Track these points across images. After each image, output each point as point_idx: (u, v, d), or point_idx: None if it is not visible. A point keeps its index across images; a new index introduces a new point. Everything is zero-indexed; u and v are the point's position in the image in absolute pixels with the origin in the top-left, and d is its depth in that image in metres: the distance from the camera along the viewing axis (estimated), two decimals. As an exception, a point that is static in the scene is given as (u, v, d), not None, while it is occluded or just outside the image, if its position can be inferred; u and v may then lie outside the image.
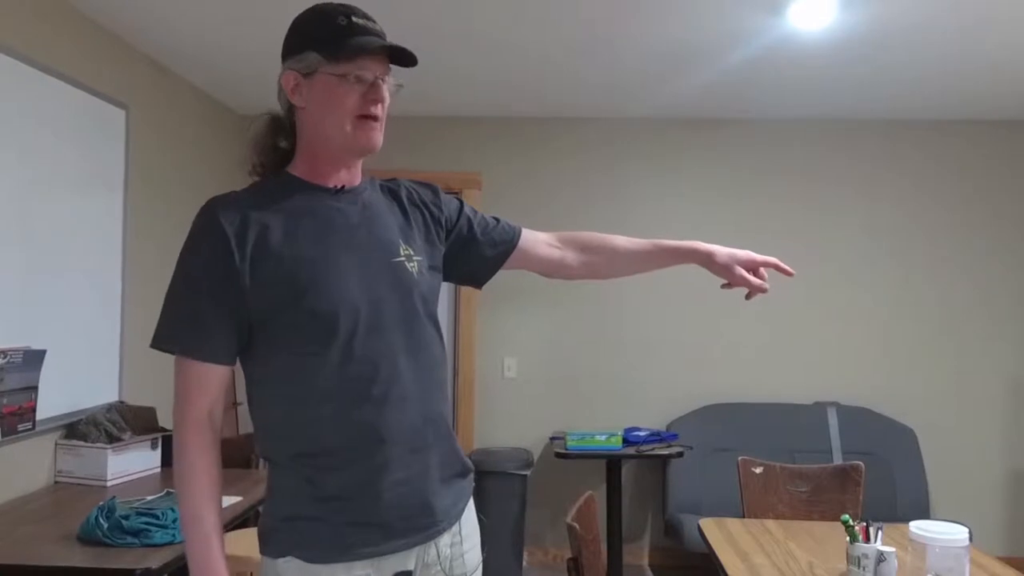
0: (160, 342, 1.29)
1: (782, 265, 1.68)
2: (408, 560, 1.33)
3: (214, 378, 1.28)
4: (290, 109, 1.37)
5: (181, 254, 1.30)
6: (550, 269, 1.63)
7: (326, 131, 1.33)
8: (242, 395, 1.41)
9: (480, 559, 1.48)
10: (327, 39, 1.30)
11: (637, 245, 1.64)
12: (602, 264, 1.64)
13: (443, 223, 1.50)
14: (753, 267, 1.65)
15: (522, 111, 4.52)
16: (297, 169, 1.38)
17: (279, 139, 1.39)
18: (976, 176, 4.54)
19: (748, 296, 1.67)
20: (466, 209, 1.57)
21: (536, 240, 1.61)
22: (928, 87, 3.90)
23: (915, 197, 4.55)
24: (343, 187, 1.38)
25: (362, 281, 1.31)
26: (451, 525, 1.39)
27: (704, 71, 3.69)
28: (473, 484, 1.49)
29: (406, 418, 1.32)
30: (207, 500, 1.26)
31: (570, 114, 4.56)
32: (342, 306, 1.28)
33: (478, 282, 1.61)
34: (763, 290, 1.64)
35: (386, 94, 1.34)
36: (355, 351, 1.29)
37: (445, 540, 1.38)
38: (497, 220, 1.60)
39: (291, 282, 1.27)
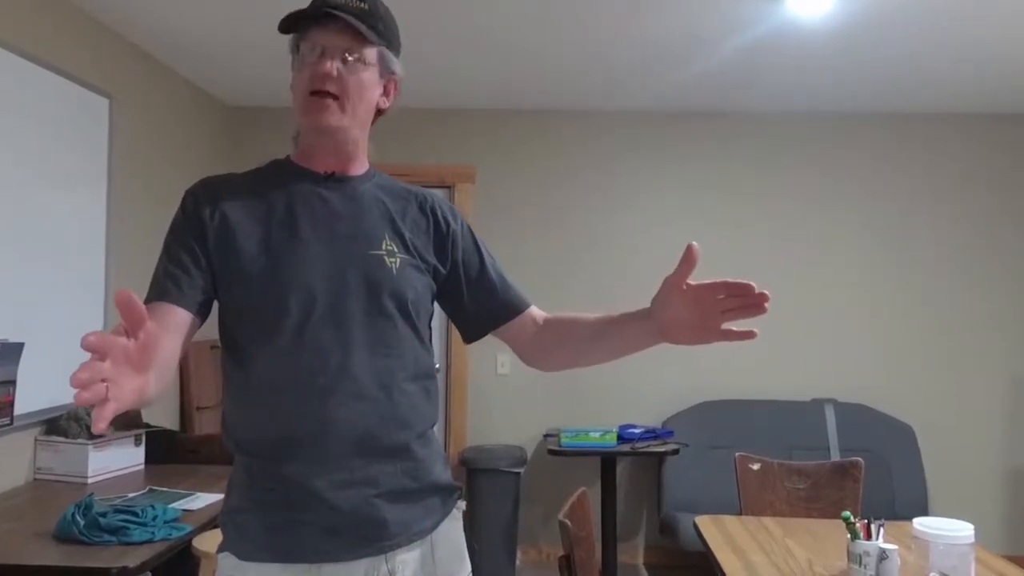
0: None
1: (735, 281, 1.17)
2: (354, 572, 1.22)
3: (171, 316, 1.19)
4: None
5: (169, 226, 1.31)
6: (525, 348, 1.44)
7: (297, 114, 1.31)
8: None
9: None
10: (293, 13, 1.27)
11: (600, 315, 1.37)
12: (560, 338, 1.41)
13: (448, 245, 1.39)
14: (708, 300, 1.19)
15: (517, 104, 4.45)
16: (294, 153, 1.37)
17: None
18: (977, 172, 4.48)
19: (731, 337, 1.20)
20: (484, 254, 1.45)
21: (533, 316, 1.45)
22: (929, 79, 3.84)
23: (915, 193, 4.49)
24: (333, 173, 1.33)
25: (326, 270, 1.25)
26: (410, 542, 1.26)
27: (701, 61, 3.63)
28: (457, 503, 1.36)
29: (356, 418, 1.22)
30: None
31: (565, 107, 4.50)
32: (295, 291, 1.22)
33: (472, 331, 1.45)
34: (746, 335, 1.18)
35: (333, 68, 1.24)
36: (305, 340, 1.22)
37: (405, 558, 1.26)
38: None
39: (250, 263, 1.24)
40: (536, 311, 1.46)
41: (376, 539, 1.22)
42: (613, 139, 4.55)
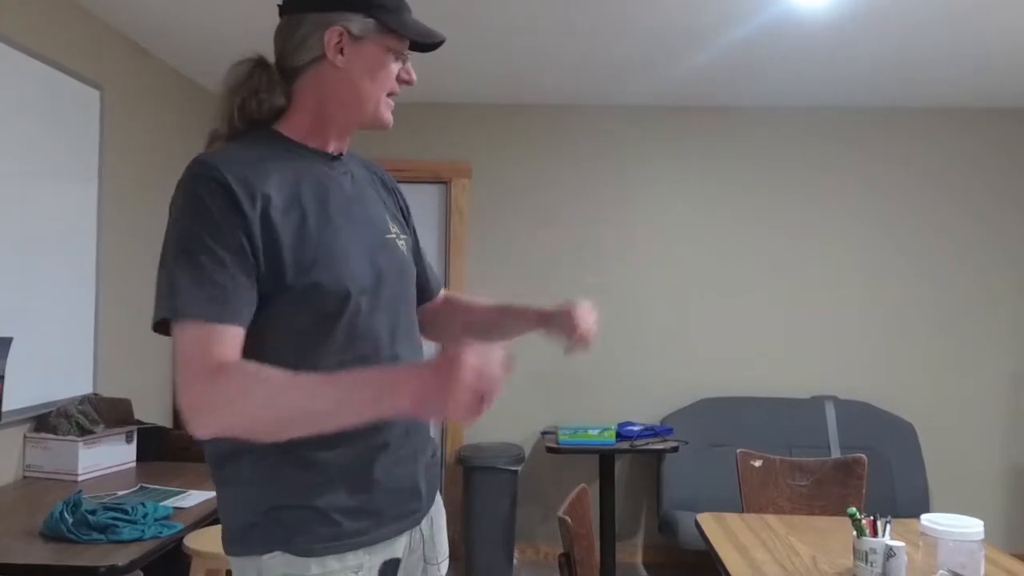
0: (176, 313, 1.08)
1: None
2: (397, 547, 1.27)
3: (237, 342, 1.10)
4: (306, 64, 1.25)
5: (180, 215, 1.12)
6: (425, 322, 1.51)
7: (360, 98, 1.25)
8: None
9: (447, 544, 1.47)
10: (391, 10, 1.25)
11: (488, 303, 1.54)
12: (452, 318, 1.55)
13: (407, 224, 1.47)
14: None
15: (514, 99, 4.41)
16: (292, 129, 1.26)
17: (275, 94, 1.26)
18: (978, 168, 4.45)
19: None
20: (416, 234, 1.52)
21: (441, 294, 1.59)
22: (931, 73, 3.80)
23: (916, 188, 4.46)
24: (340, 154, 1.32)
25: (364, 256, 1.24)
26: (430, 508, 1.36)
27: (700, 54, 3.59)
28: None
29: None
30: (309, 377, 1.07)
31: (563, 102, 4.45)
32: (351, 281, 1.19)
33: None
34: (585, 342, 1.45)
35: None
36: (359, 329, 1.21)
37: (425, 524, 1.35)
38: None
39: (299, 251, 1.15)
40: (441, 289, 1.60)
41: (414, 511, 1.30)
42: (611, 134, 4.51)
